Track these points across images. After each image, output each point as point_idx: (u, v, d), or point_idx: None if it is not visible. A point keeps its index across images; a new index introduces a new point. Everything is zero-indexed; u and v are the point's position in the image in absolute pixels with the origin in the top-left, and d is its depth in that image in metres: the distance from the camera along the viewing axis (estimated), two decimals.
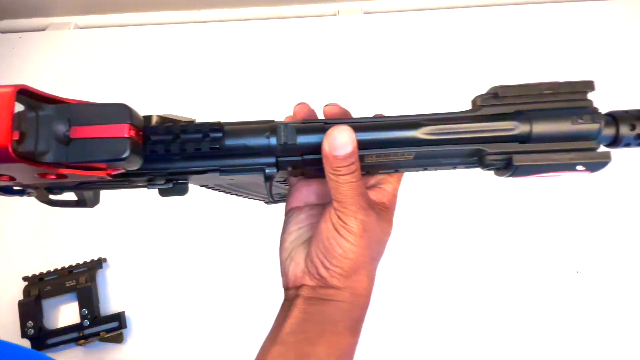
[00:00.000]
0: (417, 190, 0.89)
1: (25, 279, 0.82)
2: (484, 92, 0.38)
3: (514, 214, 0.88)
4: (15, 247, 0.86)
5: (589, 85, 0.38)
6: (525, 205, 0.88)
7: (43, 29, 1.17)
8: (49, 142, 0.29)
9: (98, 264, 0.84)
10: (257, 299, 0.81)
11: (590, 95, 0.37)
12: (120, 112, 0.31)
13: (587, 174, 0.37)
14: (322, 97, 1.00)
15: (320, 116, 0.42)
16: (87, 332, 0.78)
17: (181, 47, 1.10)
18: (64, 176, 0.31)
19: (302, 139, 0.37)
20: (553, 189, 0.90)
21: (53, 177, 0.31)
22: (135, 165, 0.33)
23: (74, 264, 0.83)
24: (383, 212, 0.40)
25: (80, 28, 1.17)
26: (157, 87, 1.04)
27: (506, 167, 0.37)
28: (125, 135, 0.30)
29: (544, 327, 0.80)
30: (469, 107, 0.39)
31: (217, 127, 0.36)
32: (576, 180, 0.90)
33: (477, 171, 0.40)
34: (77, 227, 0.88)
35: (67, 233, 0.88)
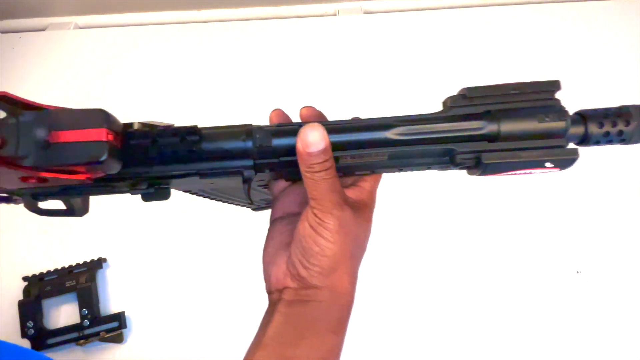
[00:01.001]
0: (417, 190, 0.89)
1: (25, 279, 0.82)
2: (454, 93, 0.39)
3: (513, 214, 0.88)
4: (15, 247, 0.86)
5: (555, 85, 0.39)
6: (525, 205, 0.88)
7: (43, 29, 1.17)
8: (29, 147, 0.30)
9: (98, 264, 0.84)
10: (257, 299, 0.81)
11: (558, 94, 0.39)
12: (98, 117, 0.32)
13: (557, 171, 0.38)
14: (322, 97, 1.00)
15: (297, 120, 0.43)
16: (87, 332, 0.78)
17: (181, 47, 1.10)
18: (45, 180, 0.32)
19: (277, 142, 0.38)
20: (553, 189, 0.90)
21: (34, 180, 0.32)
22: (114, 169, 0.34)
23: (74, 264, 0.83)
24: (361, 209, 0.41)
25: (80, 28, 1.17)
26: (157, 87, 1.04)
27: (476, 166, 0.38)
28: (103, 139, 0.31)
29: (544, 327, 0.80)
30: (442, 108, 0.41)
31: (193, 130, 0.37)
32: (576, 181, 0.90)
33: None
34: (77, 227, 0.88)
35: (67, 233, 0.88)
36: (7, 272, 0.84)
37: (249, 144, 0.38)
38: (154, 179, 0.38)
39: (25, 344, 0.78)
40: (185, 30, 1.13)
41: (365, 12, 1.15)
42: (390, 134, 0.38)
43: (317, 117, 0.42)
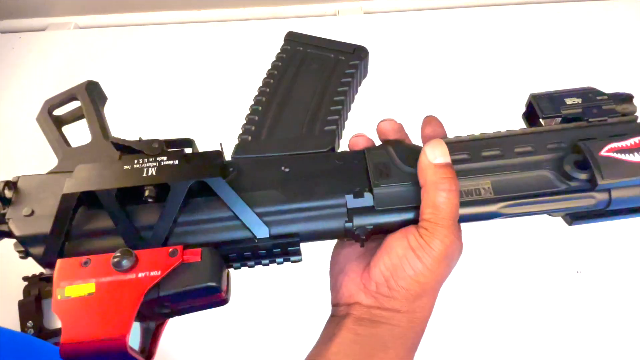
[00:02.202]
0: None
1: (25, 279, 0.81)
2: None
3: None
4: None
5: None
6: None
7: (43, 29, 1.17)
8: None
9: None
10: (258, 299, 0.81)
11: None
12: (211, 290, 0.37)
13: None
14: None
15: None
16: None
17: (181, 47, 1.10)
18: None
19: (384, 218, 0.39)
20: None
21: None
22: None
23: None
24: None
25: (80, 28, 1.17)
26: (157, 87, 1.04)
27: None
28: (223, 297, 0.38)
29: (543, 327, 0.80)
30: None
31: (293, 237, 0.38)
32: None
33: None
34: None
35: None
36: (7, 272, 0.83)
37: (349, 225, 0.38)
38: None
39: None
40: (185, 30, 1.13)
41: (365, 12, 1.15)
42: (498, 208, 0.39)
43: (399, 131, 0.42)
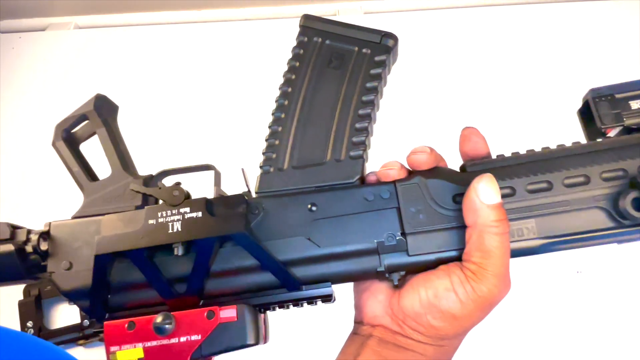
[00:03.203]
0: None
1: None
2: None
3: None
4: None
5: None
6: None
7: (43, 29, 1.16)
8: None
9: None
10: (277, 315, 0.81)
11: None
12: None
13: None
14: None
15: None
16: (87, 331, 0.78)
17: (181, 47, 1.09)
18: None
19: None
20: None
21: None
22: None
23: None
24: None
25: (80, 28, 1.17)
26: (157, 87, 1.04)
27: None
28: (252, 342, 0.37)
29: (543, 327, 0.80)
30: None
31: (324, 281, 0.37)
32: None
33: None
34: None
35: None
36: None
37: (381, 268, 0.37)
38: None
39: None
40: (185, 30, 1.13)
41: (366, 13, 1.15)
42: (538, 245, 0.37)
43: (434, 159, 0.39)
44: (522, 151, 0.39)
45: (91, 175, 0.43)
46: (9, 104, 1.03)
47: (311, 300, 0.38)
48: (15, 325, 0.78)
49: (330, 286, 0.38)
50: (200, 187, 0.43)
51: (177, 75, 1.05)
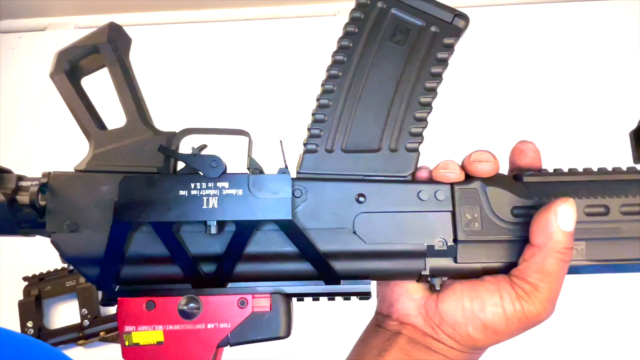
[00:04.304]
0: None
1: (25, 279, 0.82)
2: None
3: None
4: (15, 247, 0.86)
5: None
6: None
7: (43, 29, 1.16)
8: None
9: None
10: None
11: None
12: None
13: None
14: None
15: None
16: (87, 332, 0.78)
17: (181, 47, 1.10)
18: None
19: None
20: None
21: None
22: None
23: None
24: None
25: (80, 28, 1.17)
26: (157, 87, 1.04)
27: None
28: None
29: (543, 327, 0.80)
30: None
31: (364, 278, 0.36)
32: None
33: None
34: None
35: None
36: (7, 272, 0.84)
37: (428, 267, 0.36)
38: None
39: None
40: (185, 30, 1.13)
41: None
42: (583, 265, 0.36)
43: (499, 167, 0.37)
44: (579, 168, 0.38)
45: (99, 121, 0.37)
46: (9, 104, 1.03)
47: (347, 296, 0.36)
48: (15, 325, 0.78)
49: (370, 283, 0.36)
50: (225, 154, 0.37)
51: (177, 75, 1.05)
